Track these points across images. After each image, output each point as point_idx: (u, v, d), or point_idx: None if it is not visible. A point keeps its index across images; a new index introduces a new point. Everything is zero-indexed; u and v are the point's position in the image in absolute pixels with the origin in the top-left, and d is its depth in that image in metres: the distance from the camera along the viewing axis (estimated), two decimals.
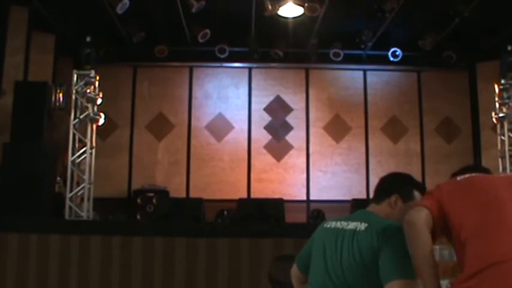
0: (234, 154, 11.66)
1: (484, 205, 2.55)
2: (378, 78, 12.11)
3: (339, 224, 2.90)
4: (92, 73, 9.43)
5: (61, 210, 8.74)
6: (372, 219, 2.81)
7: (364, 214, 2.92)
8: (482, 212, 2.53)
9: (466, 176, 2.78)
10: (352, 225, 2.82)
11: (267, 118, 11.84)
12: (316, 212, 10.54)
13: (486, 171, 3.02)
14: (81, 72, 9.43)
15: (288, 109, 11.88)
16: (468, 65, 11.65)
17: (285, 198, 9.43)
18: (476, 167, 3.13)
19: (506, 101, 9.70)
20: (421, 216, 2.56)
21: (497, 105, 9.83)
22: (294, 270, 3.16)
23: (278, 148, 11.74)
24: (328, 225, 2.97)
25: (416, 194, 2.93)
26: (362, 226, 2.76)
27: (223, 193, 11.10)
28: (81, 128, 9.40)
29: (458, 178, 2.77)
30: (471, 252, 2.44)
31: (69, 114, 9.35)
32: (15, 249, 6.51)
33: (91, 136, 9.42)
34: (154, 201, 10.69)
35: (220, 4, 9.53)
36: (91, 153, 9.40)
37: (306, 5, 9.28)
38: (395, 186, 2.97)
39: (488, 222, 2.49)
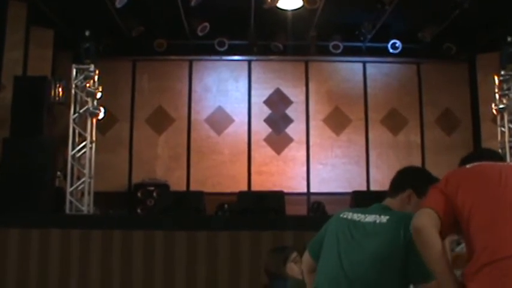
0: (234, 147, 11.65)
1: (493, 195, 2.50)
2: (378, 71, 12.08)
3: (355, 216, 2.88)
4: (92, 67, 9.42)
5: (61, 204, 8.75)
6: (392, 212, 2.80)
7: (380, 208, 2.90)
8: (492, 202, 2.48)
9: (476, 164, 2.70)
10: (370, 218, 2.80)
11: (267, 111, 11.83)
12: (316, 205, 10.53)
13: (497, 156, 2.94)
14: (81, 66, 9.42)
15: (287, 102, 11.87)
16: (468, 56, 11.62)
17: (285, 190, 9.43)
18: (487, 153, 3.00)
19: (506, 92, 9.69)
20: (427, 220, 2.49)
21: (497, 96, 9.82)
22: (306, 257, 3.14)
23: (278, 141, 11.73)
24: (345, 216, 2.94)
25: None
26: (383, 219, 2.75)
27: (224, 186, 11.10)
28: (81, 122, 9.41)
29: (468, 166, 2.70)
30: (481, 243, 2.40)
31: (69, 109, 9.35)
32: (16, 244, 6.53)
33: (91, 130, 9.42)
34: (154, 195, 10.69)
35: None
36: (91, 148, 9.40)
37: None
38: (410, 180, 2.94)
39: (498, 213, 2.45)
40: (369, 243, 2.72)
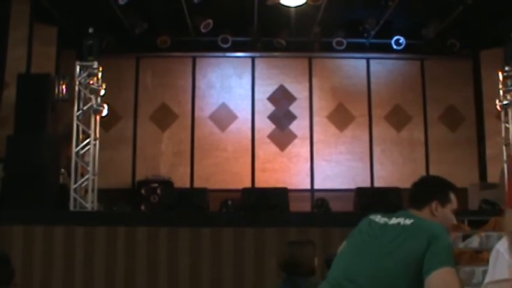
0: (237, 144, 11.65)
1: None
2: (381, 67, 12.06)
3: (382, 220, 2.87)
4: (95, 64, 9.41)
5: (65, 201, 8.75)
6: (417, 217, 2.79)
7: (407, 214, 2.88)
8: None
9: None
10: (395, 220, 2.81)
11: (271, 107, 11.82)
12: (320, 201, 10.50)
13: None
14: (84, 63, 9.40)
15: (291, 98, 11.86)
16: (472, 52, 11.60)
17: (289, 187, 9.40)
18: None
19: (510, 88, 9.64)
20: None
21: (501, 92, 9.78)
22: None
23: (282, 137, 11.72)
24: (374, 218, 2.93)
25: (452, 195, 2.93)
26: (407, 221, 2.75)
27: (228, 183, 11.09)
28: (85, 119, 9.40)
29: None
30: None
31: (73, 106, 9.34)
32: (20, 241, 6.54)
33: (95, 127, 9.41)
34: (158, 191, 10.70)
35: None
36: (95, 145, 9.40)
37: None
38: (433, 191, 2.94)
39: None
40: (388, 244, 2.69)
